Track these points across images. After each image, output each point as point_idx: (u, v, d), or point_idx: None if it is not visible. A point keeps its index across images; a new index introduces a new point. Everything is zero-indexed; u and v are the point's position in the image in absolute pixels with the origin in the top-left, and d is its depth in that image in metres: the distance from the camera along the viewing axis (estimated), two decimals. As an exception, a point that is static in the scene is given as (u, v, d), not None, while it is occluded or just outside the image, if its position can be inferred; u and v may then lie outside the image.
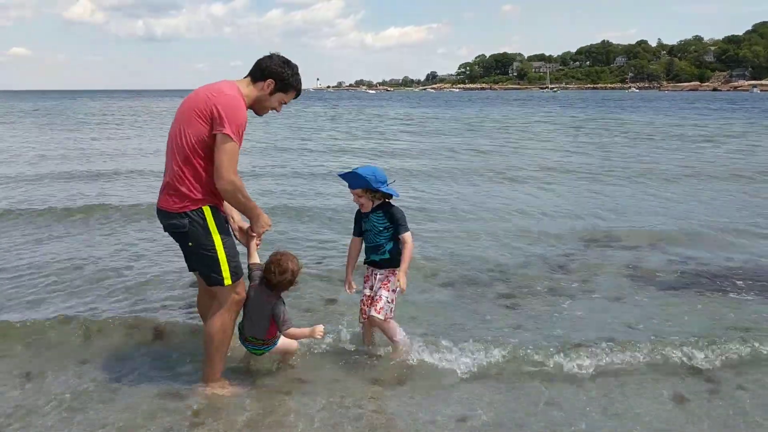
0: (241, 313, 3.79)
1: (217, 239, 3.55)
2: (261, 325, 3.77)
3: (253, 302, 3.75)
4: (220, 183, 3.42)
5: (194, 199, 3.50)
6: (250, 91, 3.63)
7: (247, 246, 3.87)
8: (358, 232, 4.25)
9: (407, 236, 4.06)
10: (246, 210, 3.66)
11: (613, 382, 3.97)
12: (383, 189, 4.02)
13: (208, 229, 3.54)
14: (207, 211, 3.54)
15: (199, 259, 3.60)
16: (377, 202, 4.10)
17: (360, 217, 4.22)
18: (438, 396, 3.80)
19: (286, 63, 3.68)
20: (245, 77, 3.69)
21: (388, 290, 4.13)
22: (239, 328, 3.86)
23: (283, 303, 3.77)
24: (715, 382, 3.96)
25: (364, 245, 4.26)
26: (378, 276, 4.18)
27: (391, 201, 4.14)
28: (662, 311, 5.21)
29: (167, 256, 6.60)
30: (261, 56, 3.69)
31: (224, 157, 3.39)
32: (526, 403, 3.70)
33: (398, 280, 4.05)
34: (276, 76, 3.63)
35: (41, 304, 5.29)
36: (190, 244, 3.56)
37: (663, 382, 3.98)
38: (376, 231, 4.12)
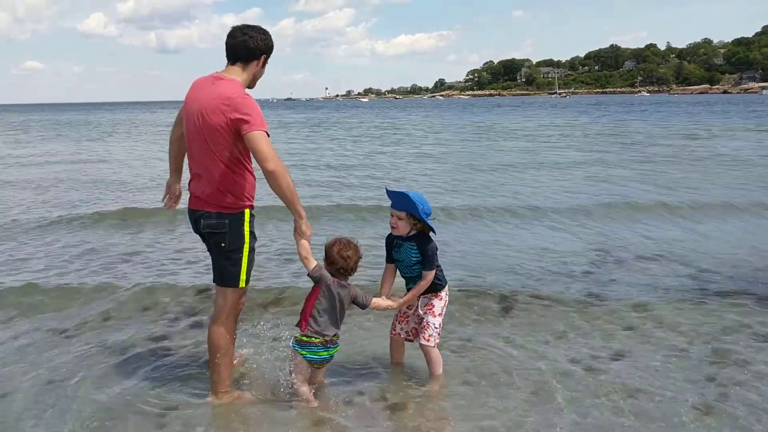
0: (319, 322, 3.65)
1: (246, 243, 3.70)
2: (342, 318, 3.72)
3: (337, 298, 3.65)
4: (268, 165, 3.40)
5: (240, 202, 3.65)
6: (247, 75, 3.72)
7: (302, 249, 3.65)
8: (391, 259, 4.05)
9: (429, 274, 3.90)
10: (291, 198, 3.54)
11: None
12: (427, 221, 3.85)
13: (243, 231, 3.68)
14: (247, 213, 3.70)
15: (225, 258, 3.69)
16: (413, 232, 3.92)
17: (392, 244, 4.02)
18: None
19: (263, 31, 3.72)
20: (233, 65, 3.69)
21: (434, 315, 4.00)
22: (305, 340, 3.66)
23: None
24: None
25: (398, 272, 4.07)
26: (421, 299, 4.03)
27: (429, 233, 3.94)
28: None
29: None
30: (237, 39, 3.62)
31: (262, 146, 3.43)
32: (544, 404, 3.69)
33: (401, 299, 3.94)
34: (267, 50, 3.75)
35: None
36: (223, 244, 3.66)
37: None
38: (409, 263, 3.93)
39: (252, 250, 3.76)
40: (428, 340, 3.98)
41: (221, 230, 3.64)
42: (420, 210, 3.78)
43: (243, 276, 3.72)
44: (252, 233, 3.76)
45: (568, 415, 3.66)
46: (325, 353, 3.72)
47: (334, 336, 3.71)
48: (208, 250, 3.86)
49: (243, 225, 3.69)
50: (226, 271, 3.71)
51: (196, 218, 3.73)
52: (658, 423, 3.58)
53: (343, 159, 19.30)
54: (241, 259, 3.70)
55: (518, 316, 5.38)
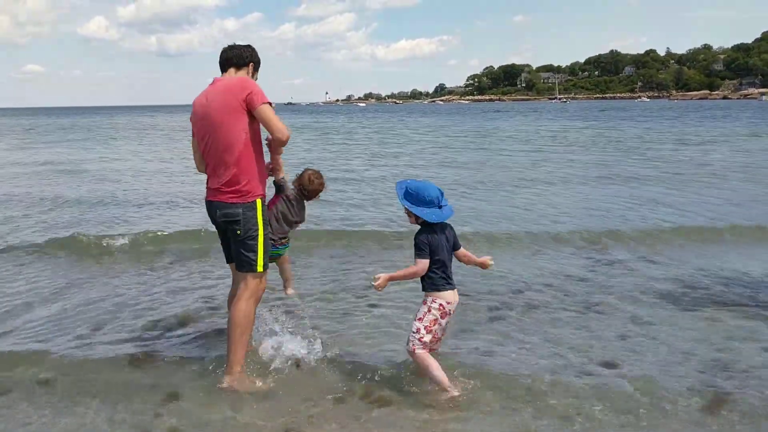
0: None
1: (261, 230, 4.07)
2: (296, 221, 4.51)
3: (294, 206, 4.46)
4: (282, 131, 3.96)
5: (250, 193, 4.03)
6: (241, 75, 4.18)
7: (275, 163, 4.40)
8: None
9: (415, 263, 3.88)
10: (284, 144, 4.19)
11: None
12: (408, 206, 3.88)
13: (257, 219, 4.06)
14: (259, 203, 4.08)
15: (242, 245, 4.06)
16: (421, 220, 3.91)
17: None
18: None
19: (250, 46, 4.30)
20: (226, 70, 4.20)
21: (415, 319, 3.97)
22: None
23: None
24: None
25: None
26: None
27: (431, 225, 3.90)
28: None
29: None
30: (228, 53, 4.20)
31: (273, 116, 3.96)
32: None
33: (380, 277, 3.90)
34: (255, 59, 4.29)
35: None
36: (239, 231, 4.02)
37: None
38: None
39: (267, 236, 4.13)
40: (406, 342, 4.00)
41: (236, 218, 4.01)
42: (399, 196, 3.96)
43: (260, 261, 4.09)
44: (265, 221, 4.13)
45: (565, 422, 3.67)
46: (283, 250, 4.54)
47: (283, 238, 4.47)
48: (223, 241, 4.28)
49: (256, 213, 4.05)
50: (244, 257, 4.07)
51: (212, 209, 4.12)
52: (657, 430, 3.59)
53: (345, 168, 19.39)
54: (257, 245, 4.06)
55: (513, 320, 5.40)
